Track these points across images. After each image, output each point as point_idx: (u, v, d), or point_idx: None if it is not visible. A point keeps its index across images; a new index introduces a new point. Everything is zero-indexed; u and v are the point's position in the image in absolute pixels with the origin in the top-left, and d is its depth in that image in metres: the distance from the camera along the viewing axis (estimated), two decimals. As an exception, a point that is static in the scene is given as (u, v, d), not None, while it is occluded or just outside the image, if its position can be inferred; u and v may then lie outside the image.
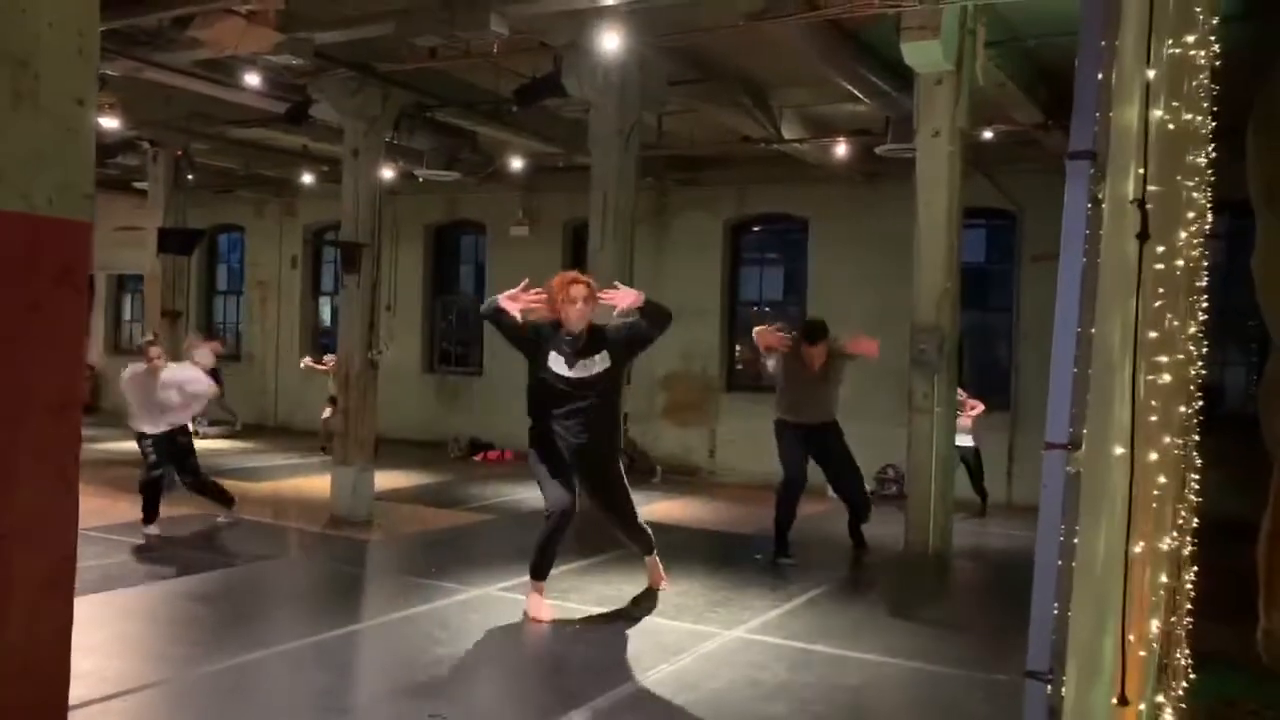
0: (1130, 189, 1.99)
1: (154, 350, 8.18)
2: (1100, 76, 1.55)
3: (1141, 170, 1.76)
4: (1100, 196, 1.72)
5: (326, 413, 13.01)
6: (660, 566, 6.16)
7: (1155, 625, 2.19)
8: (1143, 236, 1.63)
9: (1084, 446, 1.95)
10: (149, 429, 8.11)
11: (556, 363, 5.49)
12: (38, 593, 2.17)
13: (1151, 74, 1.70)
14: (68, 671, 2.23)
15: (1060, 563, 1.61)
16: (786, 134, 11.04)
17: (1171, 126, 2.08)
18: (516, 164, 12.59)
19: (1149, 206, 1.92)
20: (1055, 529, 1.60)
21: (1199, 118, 4.63)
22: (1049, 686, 1.59)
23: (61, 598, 2.21)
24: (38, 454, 2.15)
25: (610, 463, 5.69)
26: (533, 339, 5.54)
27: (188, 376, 8.27)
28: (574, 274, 5.64)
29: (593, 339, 5.53)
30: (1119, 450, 1.72)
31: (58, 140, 2.11)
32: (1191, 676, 4.95)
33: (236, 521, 8.52)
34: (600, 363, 5.50)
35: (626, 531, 5.91)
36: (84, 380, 2.32)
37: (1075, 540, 1.72)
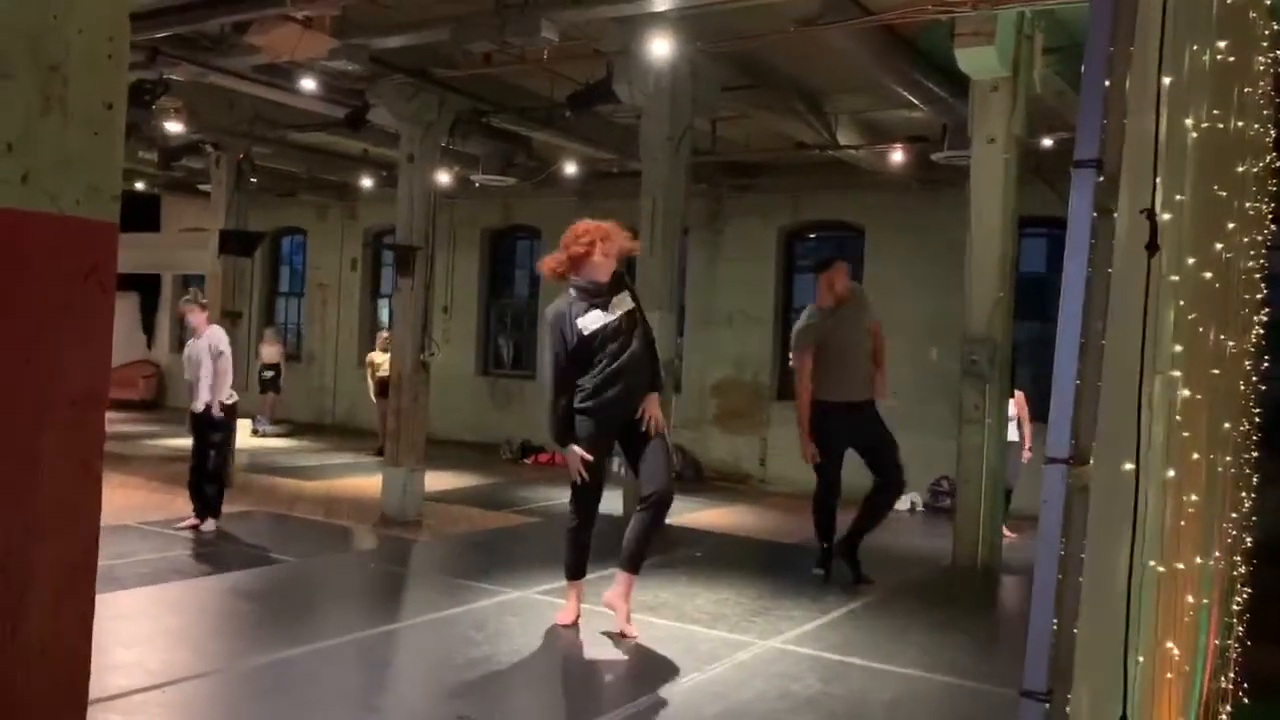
0: (1155, 200, 1.94)
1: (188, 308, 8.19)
2: (1109, 83, 1.52)
3: (1157, 180, 1.72)
4: (1113, 206, 1.68)
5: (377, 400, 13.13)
6: (628, 609, 5.30)
7: (1173, 648, 2.13)
8: (1152, 248, 1.59)
9: (1102, 462, 1.90)
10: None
11: (592, 321, 5.09)
12: (60, 585, 2.22)
13: (1168, 80, 1.66)
14: (88, 662, 2.28)
15: (1061, 579, 1.58)
16: (842, 140, 10.96)
17: (1195, 135, 2.02)
18: (571, 169, 12.67)
19: (1168, 217, 1.86)
20: (1055, 545, 1.56)
21: (1256, 126, 4.49)
22: (1047, 705, 1.56)
23: (83, 589, 2.26)
24: (64, 449, 2.20)
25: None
26: (569, 339, 5.15)
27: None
28: (580, 233, 5.12)
29: (615, 283, 5.18)
30: (1127, 466, 1.68)
31: (86, 144, 2.16)
32: (1244, 701, 4.80)
33: (200, 532, 8.16)
34: (627, 301, 5.15)
35: (660, 499, 5.21)
36: (109, 376, 2.37)
37: (1083, 557, 1.68)
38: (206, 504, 8.28)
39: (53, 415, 2.17)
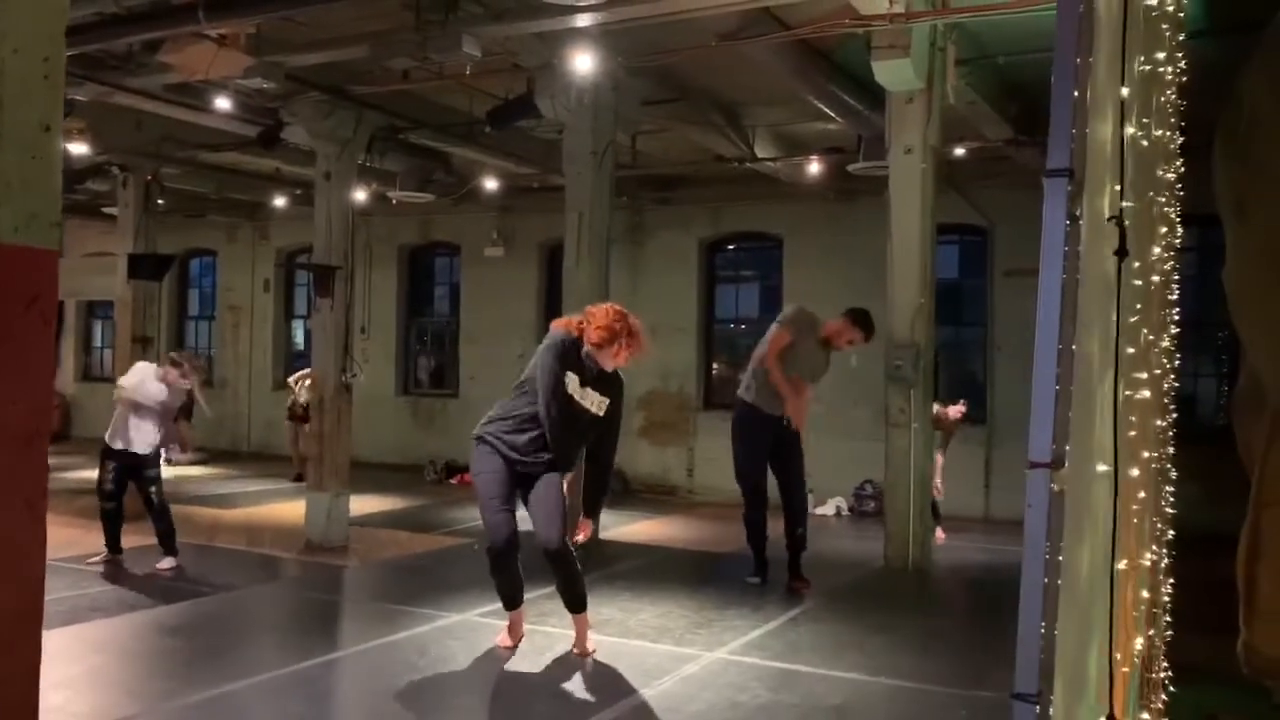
0: (1106, 205, 2.00)
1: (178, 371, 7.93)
2: (1076, 94, 1.57)
3: (1117, 187, 1.77)
4: (1078, 213, 1.73)
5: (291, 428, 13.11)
6: (589, 634, 5.33)
7: (1139, 642, 2.19)
8: (1121, 253, 1.64)
9: (1067, 464, 1.94)
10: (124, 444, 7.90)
11: (570, 382, 4.96)
12: (6, 629, 2.11)
13: (1125, 91, 1.72)
14: (36, 707, 2.17)
15: (1046, 582, 1.61)
16: (759, 153, 11.10)
17: (1146, 143, 2.10)
18: (491, 185, 12.58)
19: (1126, 223, 1.92)
20: (1041, 548, 1.59)
21: (1168, 133, 4.68)
22: (1038, 708, 1.58)
23: (29, 632, 2.15)
24: (6, 487, 2.10)
25: (550, 474, 5.08)
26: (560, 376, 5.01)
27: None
28: (605, 324, 4.94)
29: (609, 383, 5.07)
30: (1102, 467, 1.72)
31: (23, 168, 2.07)
32: (1171, 690, 4.96)
33: (108, 561, 7.93)
34: (601, 409, 5.06)
35: (546, 552, 5.03)
36: (52, 410, 2.26)
37: (1060, 558, 1.72)
38: (116, 538, 8.03)
39: (-7, 453, 2.07)
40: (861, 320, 7.05)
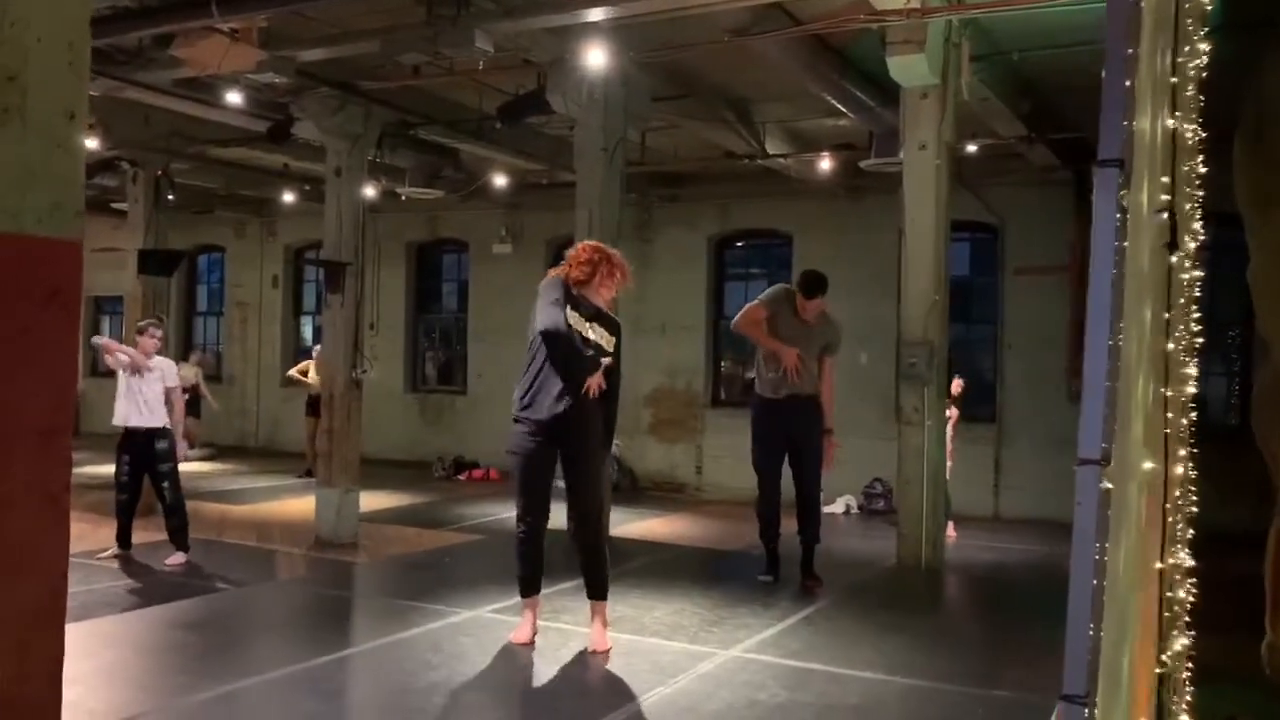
0: (1145, 199, 1.96)
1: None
2: (1128, 84, 1.53)
3: (1167, 179, 1.74)
4: (1124, 205, 1.69)
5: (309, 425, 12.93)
6: (606, 628, 5.33)
7: (1182, 642, 2.16)
8: (1172, 246, 1.60)
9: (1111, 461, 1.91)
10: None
11: (573, 318, 5.06)
12: (28, 626, 2.09)
13: (1174, 81, 1.68)
14: (59, 705, 2.15)
15: (1095, 582, 1.57)
16: (770, 149, 11.05)
17: (1189, 137, 2.06)
18: (499, 181, 12.55)
19: (1165, 216, 1.89)
20: (1090, 547, 1.56)
21: (1190, 128, 4.64)
22: (1086, 710, 1.55)
23: (52, 630, 2.13)
24: (28, 482, 2.07)
25: (591, 440, 5.19)
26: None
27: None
28: (584, 259, 5.16)
29: (608, 321, 5.23)
30: (1148, 465, 1.68)
31: (47, 157, 2.04)
32: (1192, 690, 4.91)
33: (119, 556, 7.95)
34: (610, 346, 5.19)
35: (581, 533, 5.20)
36: (74, 404, 2.24)
37: (1105, 558, 1.69)
38: (127, 533, 8.03)
39: (16, 447, 2.04)
40: (802, 285, 7.00)
